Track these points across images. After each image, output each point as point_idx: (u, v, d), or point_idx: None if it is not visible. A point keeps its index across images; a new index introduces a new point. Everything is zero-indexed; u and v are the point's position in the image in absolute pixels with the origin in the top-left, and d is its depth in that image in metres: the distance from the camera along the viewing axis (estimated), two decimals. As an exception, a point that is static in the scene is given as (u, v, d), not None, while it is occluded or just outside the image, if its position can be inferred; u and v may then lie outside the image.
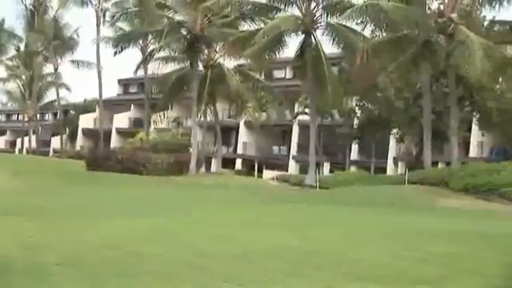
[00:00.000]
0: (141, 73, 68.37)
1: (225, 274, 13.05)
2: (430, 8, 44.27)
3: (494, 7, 42.95)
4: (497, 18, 43.99)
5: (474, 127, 56.56)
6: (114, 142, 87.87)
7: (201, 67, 57.75)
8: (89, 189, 39.05)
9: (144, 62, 63.21)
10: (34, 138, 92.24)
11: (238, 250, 16.12)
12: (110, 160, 55.07)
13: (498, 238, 20.82)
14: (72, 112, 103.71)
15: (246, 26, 55.08)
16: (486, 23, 43.82)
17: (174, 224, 22.09)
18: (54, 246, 15.71)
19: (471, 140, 58.64)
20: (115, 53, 60.72)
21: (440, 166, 48.56)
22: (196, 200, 33.90)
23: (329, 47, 51.70)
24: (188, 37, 56.36)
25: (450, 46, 41.87)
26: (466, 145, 55.98)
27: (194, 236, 18.98)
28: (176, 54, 59.10)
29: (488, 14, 44.21)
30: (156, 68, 61.35)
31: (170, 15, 58.23)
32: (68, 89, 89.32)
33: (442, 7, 43.17)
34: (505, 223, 25.48)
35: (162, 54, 59.86)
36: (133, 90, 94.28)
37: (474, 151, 58.58)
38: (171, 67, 60.66)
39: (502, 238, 20.65)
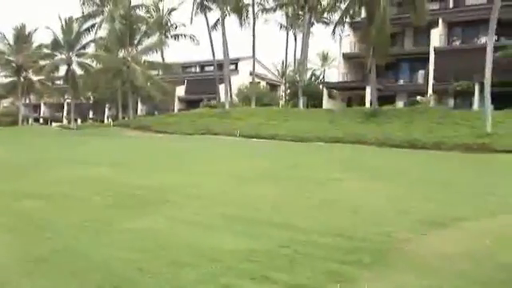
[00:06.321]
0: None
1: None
2: (118, 55, 40.82)
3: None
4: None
5: (139, 104, 53.55)
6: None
7: (22, 79, 49.08)
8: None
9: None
10: None
11: (34, 157, 13.46)
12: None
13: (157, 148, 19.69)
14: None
15: (43, 62, 47.52)
16: (143, 62, 41.23)
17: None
18: None
19: (138, 107, 54.81)
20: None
21: (126, 118, 45.35)
22: (18, 135, 29.26)
23: (79, 71, 46.12)
24: (15, 66, 48.36)
25: (128, 71, 39.01)
26: (136, 109, 52.74)
27: (14, 150, 15.85)
28: (9, 74, 50.17)
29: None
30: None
31: (6, 56, 48.83)
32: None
33: (124, 55, 40.29)
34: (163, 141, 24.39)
35: (2, 73, 51.66)
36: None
37: (140, 112, 55.00)
38: (9, 79, 51.32)
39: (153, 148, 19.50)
